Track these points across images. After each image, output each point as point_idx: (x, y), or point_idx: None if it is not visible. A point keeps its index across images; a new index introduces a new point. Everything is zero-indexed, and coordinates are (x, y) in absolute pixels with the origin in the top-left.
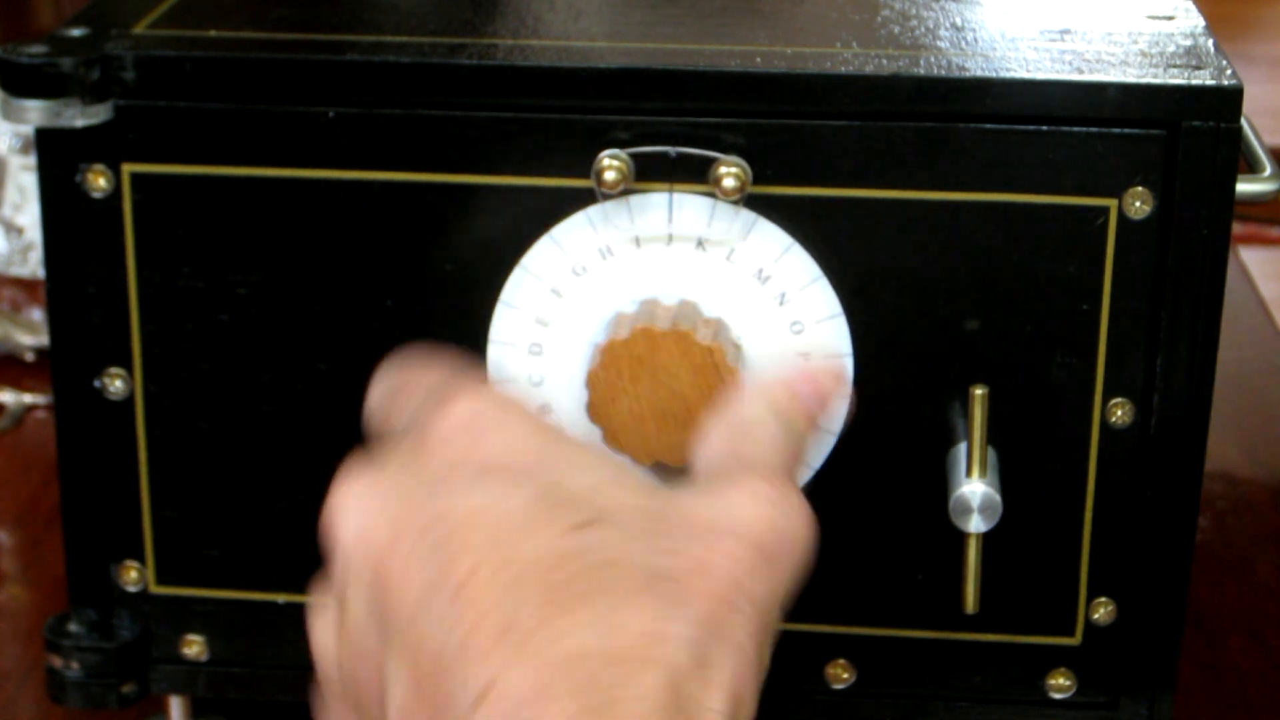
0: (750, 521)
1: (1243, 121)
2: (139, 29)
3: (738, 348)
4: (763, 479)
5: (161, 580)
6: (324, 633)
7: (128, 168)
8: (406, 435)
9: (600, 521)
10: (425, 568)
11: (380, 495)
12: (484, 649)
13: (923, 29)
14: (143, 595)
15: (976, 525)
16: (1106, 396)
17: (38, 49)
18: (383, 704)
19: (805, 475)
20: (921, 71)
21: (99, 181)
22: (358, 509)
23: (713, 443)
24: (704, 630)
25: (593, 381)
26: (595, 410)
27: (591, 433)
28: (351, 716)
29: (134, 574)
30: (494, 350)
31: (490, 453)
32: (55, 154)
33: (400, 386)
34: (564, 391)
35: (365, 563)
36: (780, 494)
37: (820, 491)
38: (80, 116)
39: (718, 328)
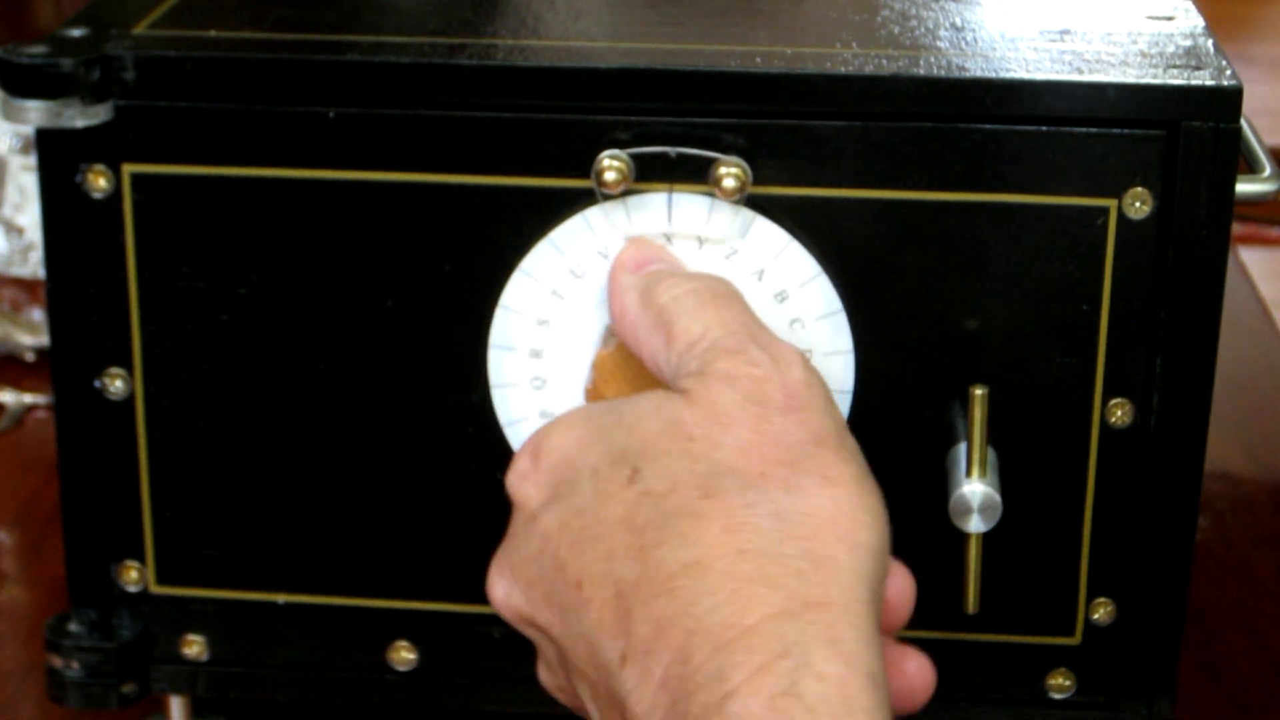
0: None
1: (1242, 121)
2: (139, 29)
3: None
4: None
5: (161, 580)
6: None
7: (128, 168)
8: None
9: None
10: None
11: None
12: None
13: (923, 29)
14: (143, 595)
15: (976, 525)
16: (1106, 396)
17: (38, 49)
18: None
19: None
20: (921, 71)
21: (99, 182)
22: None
23: None
24: None
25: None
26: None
27: None
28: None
29: (134, 574)
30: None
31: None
32: (55, 154)
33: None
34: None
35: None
36: None
37: None
38: (80, 117)
39: None
